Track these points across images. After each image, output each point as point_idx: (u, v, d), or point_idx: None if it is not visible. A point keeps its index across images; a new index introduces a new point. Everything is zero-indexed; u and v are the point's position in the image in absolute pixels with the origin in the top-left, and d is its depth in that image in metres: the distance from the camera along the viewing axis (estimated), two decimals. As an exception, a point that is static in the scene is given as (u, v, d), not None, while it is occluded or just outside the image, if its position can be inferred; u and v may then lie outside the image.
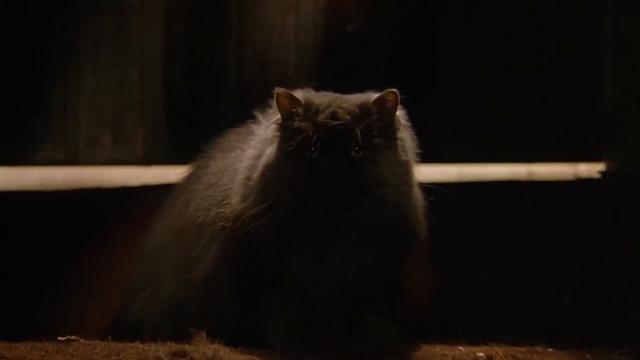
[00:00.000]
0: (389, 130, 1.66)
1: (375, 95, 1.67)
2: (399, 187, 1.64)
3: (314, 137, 1.60)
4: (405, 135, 1.71)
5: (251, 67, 2.77)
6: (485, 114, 2.78)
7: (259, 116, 1.81)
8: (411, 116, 1.73)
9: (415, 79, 2.78)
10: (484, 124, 2.78)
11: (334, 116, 1.62)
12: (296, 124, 1.63)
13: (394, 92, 1.66)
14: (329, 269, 1.65)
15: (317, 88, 1.73)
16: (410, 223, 1.69)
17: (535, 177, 2.75)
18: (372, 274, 1.68)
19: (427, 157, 1.75)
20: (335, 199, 1.60)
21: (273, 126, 1.69)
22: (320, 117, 1.62)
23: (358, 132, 1.60)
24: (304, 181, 1.60)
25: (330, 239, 1.64)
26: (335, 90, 1.72)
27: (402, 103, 1.69)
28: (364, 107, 1.65)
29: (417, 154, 1.73)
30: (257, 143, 1.74)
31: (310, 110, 1.64)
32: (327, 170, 1.59)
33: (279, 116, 1.68)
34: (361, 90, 1.72)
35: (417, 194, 1.72)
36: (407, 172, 1.68)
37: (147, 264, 1.92)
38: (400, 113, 1.70)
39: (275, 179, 1.63)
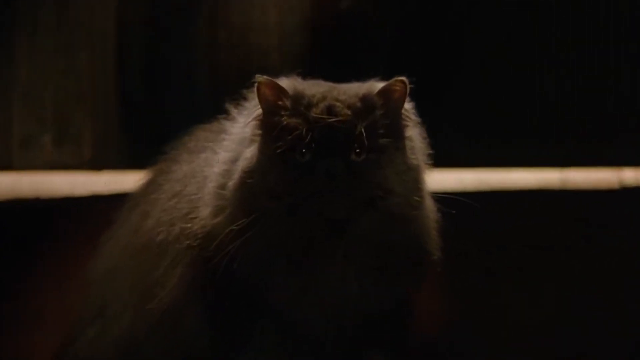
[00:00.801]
0: (396, 127, 1.65)
1: (379, 85, 1.65)
2: (408, 197, 1.63)
3: (307, 137, 1.58)
4: (415, 134, 1.70)
5: (225, 53, 2.76)
6: (510, 109, 2.79)
7: (233, 111, 1.80)
8: (420, 112, 1.71)
9: (425, 67, 2.78)
10: (508, 122, 2.79)
11: (330, 111, 1.60)
12: (284, 120, 1.61)
13: (402, 81, 1.64)
14: (322, 297, 1.63)
15: (305, 77, 1.71)
16: (421, 240, 1.68)
17: (570, 186, 2.75)
18: (375, 302, 1.67)
19: (440, 160, 1.74)
20: (333, 213, 1.58)
21: (253, 123, 1.67)
22: (314, 112, 1.60)
23: (362, 130, 1.58)
24: (294, 191, 1.58)
25: (326, 260, 1.62)
26: (326, 81, 1.70)
27: (410, 95, 1.67)
28: (366, 100, 1.63)
29: (429, 156, 1.72)
30: (231, 144, 1.73)
31: (300, 103, 1.62)
32: (322, 177, 1.57)
33: (260, 111, 1.66)
34: (359, 80, 1.70)
35: (429, 204, 1.71)
36: (417, 178, 1.66)
37: (97, 291, 1.91)
38: (408, 106, 1.68)
39: (258, 188, 1.61)
